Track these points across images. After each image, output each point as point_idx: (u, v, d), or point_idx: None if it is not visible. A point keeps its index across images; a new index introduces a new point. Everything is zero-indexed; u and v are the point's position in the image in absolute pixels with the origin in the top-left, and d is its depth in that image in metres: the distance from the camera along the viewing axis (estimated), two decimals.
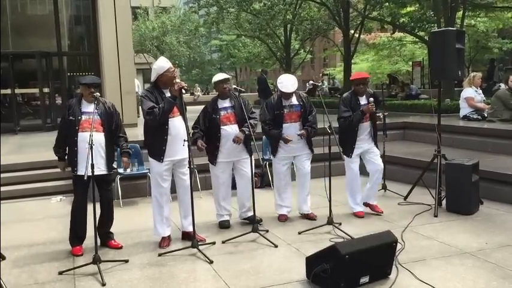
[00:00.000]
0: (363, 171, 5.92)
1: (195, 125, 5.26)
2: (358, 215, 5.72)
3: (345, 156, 5.65)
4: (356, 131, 5.60)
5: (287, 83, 5.44)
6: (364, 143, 5.69)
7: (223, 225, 5.40)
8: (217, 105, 5.25)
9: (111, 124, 4.71)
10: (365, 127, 5.66)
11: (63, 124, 4.70)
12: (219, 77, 5.31)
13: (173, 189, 4.97)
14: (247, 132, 5.12)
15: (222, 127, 5.18)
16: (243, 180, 5.36)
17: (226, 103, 5.25)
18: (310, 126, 5.49)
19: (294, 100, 5.55)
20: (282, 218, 5.67)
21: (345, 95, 5.83)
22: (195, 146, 5.06)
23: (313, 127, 5.51)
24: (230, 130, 5.17)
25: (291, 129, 5.49)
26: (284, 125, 5.48)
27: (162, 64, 4.74)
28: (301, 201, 5.73)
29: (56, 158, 4.80)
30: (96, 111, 4.53)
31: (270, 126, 5.51)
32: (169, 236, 4.92)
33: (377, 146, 5.84)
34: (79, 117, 4.55)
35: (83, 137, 4.47)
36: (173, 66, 4.79)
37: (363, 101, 5.64)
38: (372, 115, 5.65)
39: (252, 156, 5.31)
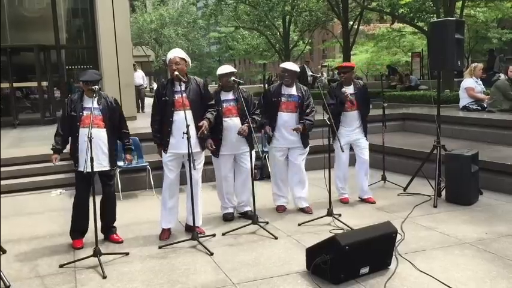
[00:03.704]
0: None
1: None
2: (343, 201, 5.88)
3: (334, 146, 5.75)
4: (339, 119, 5.71)
5: (288, 63, 5.65)
6: (351, 133, 5.79)
7: (227, 218, 5.39)
8: (219, 98, 5.21)
9: (113, 119, 4.69)
10: (351, 116, 5.74)
11: (64, 119, 4.67)
12: (224, 69, 5.26)
13: (183, 181, 4.97)
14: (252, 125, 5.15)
15: (224, 119, 5.15)
16: (242, 174, 5.35)
17: (229, 95, 5.22)
18: (307, 119, 5.41)
19: (294, 91, 5.53)
20: (280, 209, 5.68)
21: (333, 84, 6.03)
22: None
23: (310, 120, 5.42)
24: (232, 122, 5.14)
25: (287, 119, 5.44)
26: (279, 113, 5.44)
27: (168, 55, 4.84)
28: (297, 196, 5.67)
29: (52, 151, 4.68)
30: (97, 106, 4.53)
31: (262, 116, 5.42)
32: (169, 229, 4.93)
33: (366, 138, 5.88)
34: (80, 113, 4.53)
35: (83, 132, 4.45)
36: (177, 60, 4.71)
37: (348, 90, 5.71)
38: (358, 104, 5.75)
39: (253, 151, 5.29)
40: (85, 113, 4.52)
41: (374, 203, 5.85)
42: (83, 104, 4.56)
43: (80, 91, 4.69)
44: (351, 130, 5.78)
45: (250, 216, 5.11)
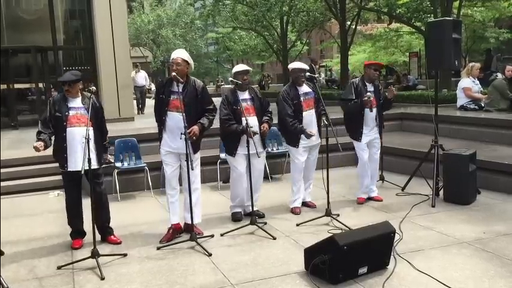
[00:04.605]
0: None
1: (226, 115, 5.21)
2: (359, 201, 5.89)
3: (354, 142, 5.81)
4: (362, 115, 5.69)
5: (300, 63, 5.68)
6: (370, 132, 5.81)
7: (236, 217, 5.37)
8: (237, 97, 5.19)
9: (98, 118, 4.70)
10: (371, 115, 5.74)
11: (46, 120, 4.56)
12: (239, 68, 5.29)
13: (182, 182, 4.98)
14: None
15: (243, 118, 5.11)
16: (253, 174, 5.21)
17: (245, 95, 5.24)
18: (325, 111, 5.38)
19: (306, 88, 5.56)
20: (297, 211, 5.59)
21: (355, 79, 5.96)
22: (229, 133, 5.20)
23: (326, 111, 5.44)
24: (250, 122, 5.04)
25: (310, 117, 5.48)
26: (303, 114, 5.44)
27: (172, 55, 4.85)
28: (309, 191, 5.82)
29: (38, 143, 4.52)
30: (82, 106, 4.57)
31: (294, 121, 5.36)
32: (172, 227, 4.87)
33: (381, 137, 5.94)
34: (66, 113, 4.52)
35: (71, 132, 4.48)
36: (179, 61, 4.69)
37: (369, 87, 5.72)
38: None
39: (263, 151, 5.31)
40: (71, 112, 4.53)
41: (381, 200, 5.91)
42: (68, 104, 4.57)
43: (62, 92, 4.69)
44: (370, 129, 5.80)
45: (259, 215, 5.25)
